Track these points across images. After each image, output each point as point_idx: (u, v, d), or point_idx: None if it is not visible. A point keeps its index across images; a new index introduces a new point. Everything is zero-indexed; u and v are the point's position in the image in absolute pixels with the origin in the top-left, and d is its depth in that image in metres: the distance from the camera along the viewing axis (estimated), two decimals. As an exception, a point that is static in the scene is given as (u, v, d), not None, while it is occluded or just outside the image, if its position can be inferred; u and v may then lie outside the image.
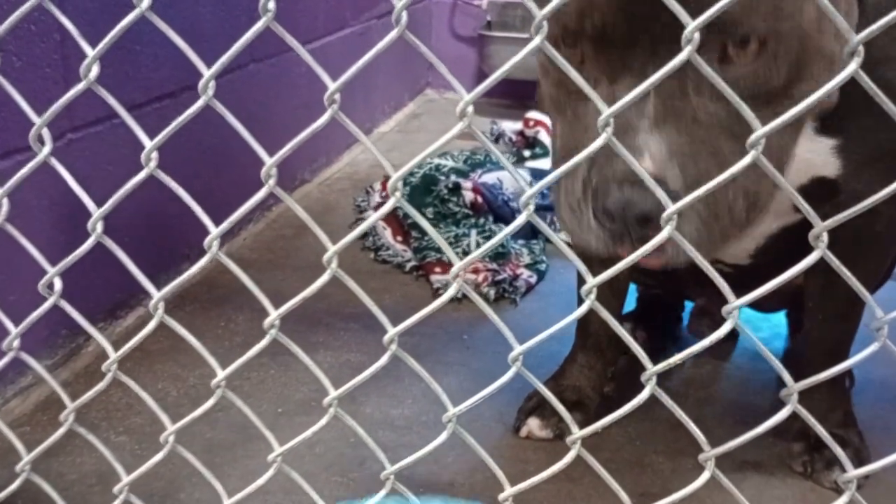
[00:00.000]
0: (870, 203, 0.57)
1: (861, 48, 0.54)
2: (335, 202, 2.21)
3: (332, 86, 0.64)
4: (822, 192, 0.97)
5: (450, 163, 2.22)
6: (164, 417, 0.82)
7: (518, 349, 0.66)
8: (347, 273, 0.69)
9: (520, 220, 0.63)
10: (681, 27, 0.70)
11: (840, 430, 1.17)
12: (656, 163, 0.73)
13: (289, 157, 0.65)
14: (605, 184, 0.75)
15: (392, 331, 0.69)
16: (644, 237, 0.71)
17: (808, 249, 0.58)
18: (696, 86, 0.76)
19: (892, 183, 0.56)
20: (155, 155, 0.71)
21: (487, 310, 0.67)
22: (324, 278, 0.68)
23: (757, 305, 1.40)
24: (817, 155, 0.97)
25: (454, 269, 0.65)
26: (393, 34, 0.60)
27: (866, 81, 0.55)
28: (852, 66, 0.54)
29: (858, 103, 0.92)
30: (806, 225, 0.60)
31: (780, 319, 1.58)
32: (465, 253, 1.84)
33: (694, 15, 0.70)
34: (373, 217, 0.69)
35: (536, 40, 0.58)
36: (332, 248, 0.67)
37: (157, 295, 0.75)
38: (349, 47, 2.35)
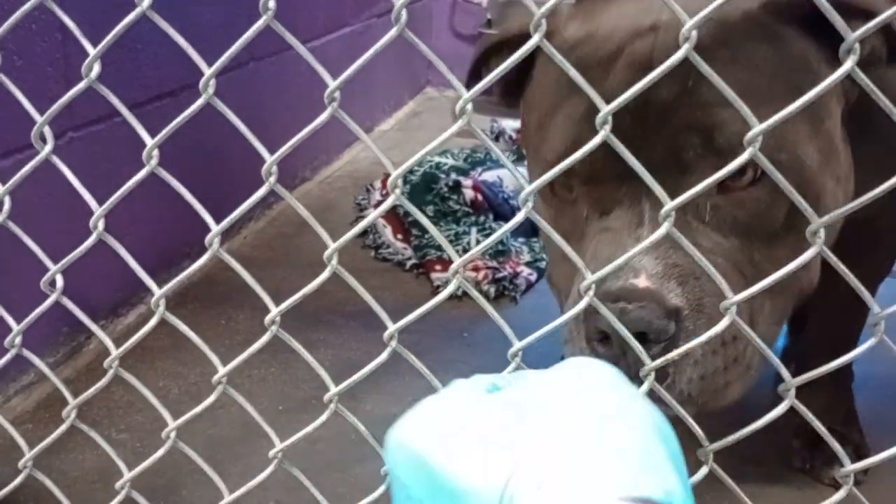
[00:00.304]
0: (860, 202, 0.57)
1: (857, 45, 0.54)
2: (336, 200, 2.22)
3: (331, 84, 0.64)
4: None
5: (450, 161, 2.23)
6: (166, 414, 0.82)
7: (517, 345, 0.66)
8: (347, 271, 0.69)
9: (519, 217, 0.63)
10: (673, 156, 0.71)
11: (841, 427, 1.17)
12: (652, 280, 0.70)
13: (289, 156, 0.65)
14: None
15: (392, 327, 0.69)
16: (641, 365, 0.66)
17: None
18: (695, 213, 0.75)
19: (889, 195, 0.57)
20: (156, 153, 0.71)
21: (487, 306, 0.67)
22: (324, 275, 0.68)
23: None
24: None
25: (454, 266, 0.65)
26: (392, 32, 0.60)
27: (863, 79, 0.55)
28: (848, 64, 0.54)
29: (856, 134, 0.91)
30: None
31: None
32: (466, 251, 1.84)
33: (700, 140, 0.71)
34: (373, 214, 0.69)
35: (535, 38, 0.58)
36: (332, 245, 0.67)
37: (158, 292, 0.76)
38: (349, 46, 2.35)
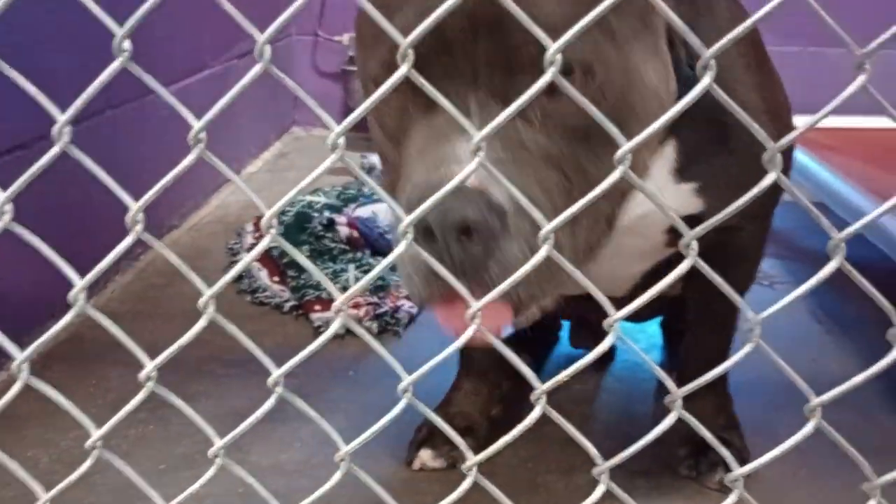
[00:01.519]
0: (725, 215, 0.61)
1: (713, 62, 0.56)
2: (206, 247, 2.15)
3: (196, 125, 0.62)
4: (691, 227, 1.02)
5: (322, 199, 2.20)
6: (36, 486, 0.77)
7: (407, 380, 0.65)
8: (224, 318, 0.66)
9: (399, 250, 0.63)
10: (499, 54, 0.71)
11: (723, 433, 1.21)
12: (479, 176, 0.67)
13: (155, 203, 0.62)
14: (418, 199, 0.66)
15: (276, 372, 0.67)
16: (470, 260, 0.68)
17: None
18: (523, 114, 0.73)
19: (749, 206, 0.61)
20: (9, 207, 0.67)
21: (373, 342, 0.66)
22: (201, 324, 0.65)
23: (633, 316, 1.45)
24: (682, 201, 1.01)
25: (336, 304, 0.64)
26: (257, 68, 0.59)
27: (720, 95, 0.57)
28: (706, 80, 0.56)
29: (709, 148, 0.97)
30: (678, 258, 0.62)
31: (655, 330, 1.64)
32: (345, 289, 1.80)
33: (527, 38, 0.71)
34: (248, 257, 0.67)
35: (403, 69, 0.58)
36: (207, 293, 0.65)
37: (20, 356, 0.71)
38: (210, 89, 2.29)
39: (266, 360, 0.68)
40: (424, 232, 0.69)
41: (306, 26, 3.33)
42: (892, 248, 1.54)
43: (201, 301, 0.65)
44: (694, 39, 0.55)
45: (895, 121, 0.58)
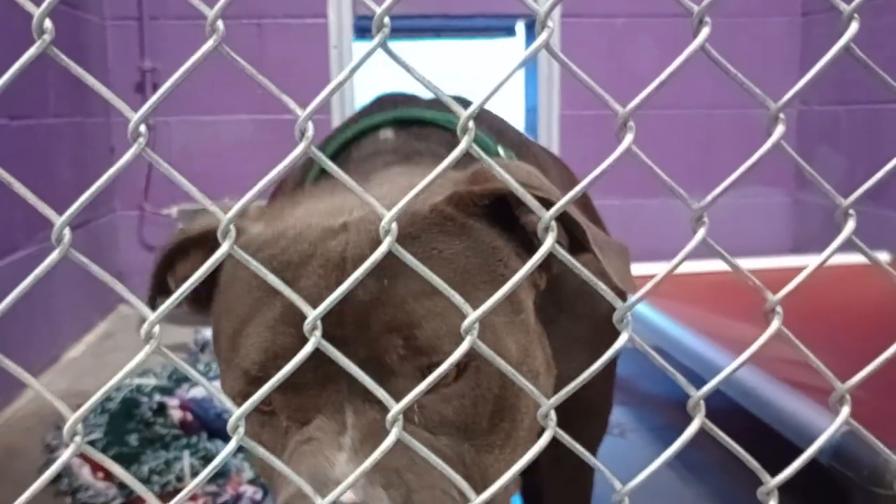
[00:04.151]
0: (582, 380, 0.58)
1: (554, 223, 0.54)
2: (20, 445, 1.94)
3: (-18, 322, 0.53)
4: None
5: (152, 381, 2.06)
6: None
7: None
8: None
9: (230, 447, 0.55)
10: (369, 359, 0.69)
11: None
12: (357, 491, 0.65)
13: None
14: None
15: None
16: None
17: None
18: (404, 414, 0.72)
19: (591, 356, 0.59)
20: None
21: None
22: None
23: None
24: None
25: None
26: (54, 256, 0.52)
27: (564, 256, 0.55)
28: (549, 242, 0.54)
29: (546, 306, 0.96)
30: None
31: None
32: (179, 479, 1.67)
33: (401, 340, 0.68)
34: (59, 461, 0.57)
35: (225, 247, 0.53)
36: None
37: None
38: (23, 272, 2.14)
39: None
40: None
41: (131, 201, 3.23)
42: (736, 392, 1.58)
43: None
44: (533, 202, 0.53)
45: (735, 270, 0.58)
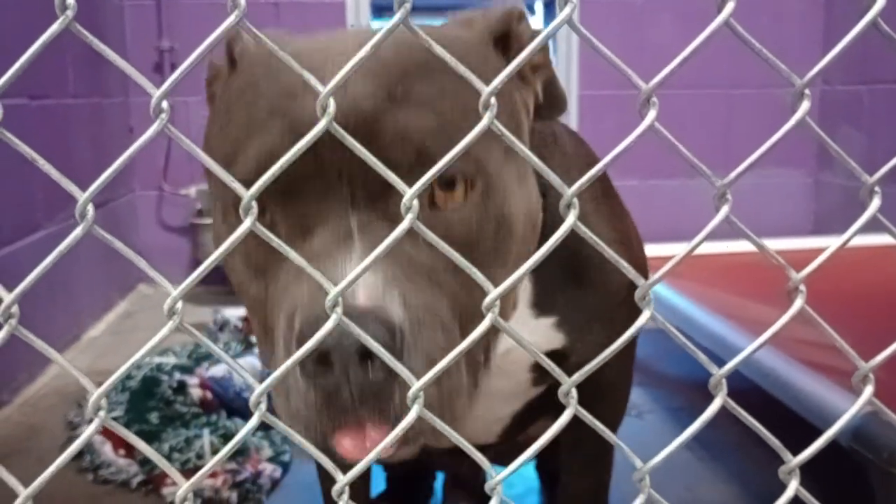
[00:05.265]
0: (604, 357, 0.58)
1: (576, 200, 0.54)
2: (42, 423, 1.96)
3: (7, 298, 0.54)
4: (555, 361, 0.99)
5: (172, 360, 2.08)
6: None
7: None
8: (61, 503, 0.56)
9: (252, 423, 0.56)
10: (374, 171, 0.68)
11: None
12: (372, 296, 0.64)
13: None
14: (311, 323, 0.63)
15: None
16: (369, 390, 0.62)
17: (553, 409, 0.56)
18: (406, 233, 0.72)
19: (611, 337, 0.58)
20: None
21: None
22: (16, 532, 0.55)
23: (504, 462, 1.40)
24: (540, 335, 0.99)
25: (181, 493, 0.55)
26: (78, 231, 0.52)
27: (585, 232, 0.55)
28: (571, 219, 0.54)
29: (563, 282, 0.96)
30: (546, 394, 0.58)
31: (530, 473, 1.58)
32: (199, 457, 1.68)
33: (410, 150, 0.68)
34: (82, 437, 0.58)
35: (247, 223, 0.53)
36: (23, 493, 0.55)
37: None
38: (44, 251, 2.16)
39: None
40: (318, 359, 0.62)
41: (150, 182, 3.25)
42: (755, 372, 1.57)
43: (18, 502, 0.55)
44: (555, 179, 0.53)
45: (759, 248, 0.57)
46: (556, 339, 1.01)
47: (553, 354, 1.02)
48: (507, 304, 0.84)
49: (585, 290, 0.99)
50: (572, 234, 0.54)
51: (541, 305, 0.98)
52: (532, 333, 0.97)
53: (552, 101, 0.90)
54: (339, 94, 0.62)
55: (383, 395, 0.63)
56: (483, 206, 0.73)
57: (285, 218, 0.71)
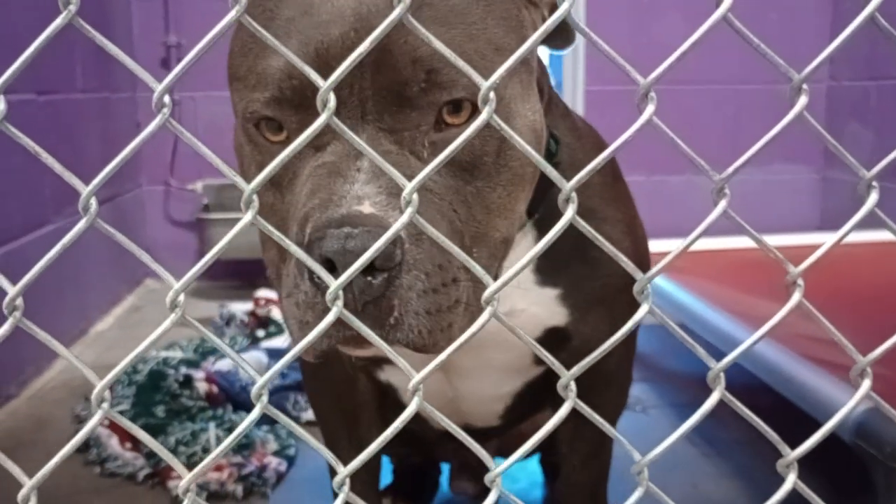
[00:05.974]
0: (604, 350, 0.57)
1: (574, 195, 0.54)
2: (49, 416, 1.97)
3: (11, 290, 0.54)
4: (556, 342, 0.99)
5: (178, 354, 2.08)
6: None
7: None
8: (67, 495, 0.57)
9: (254, 415, 0.56)
10: (386, 89, 0.70)
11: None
12: (377, 206, 0.68)
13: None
14: (321, 231, 0.66)
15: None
16: (374, 293, 0.65)
17: (552, 399, 0.57)
18: (412, 148, 0.74)
19: (613, 324, 0.58)
20: None
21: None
22: (21, 522, 0.56)
23: (506, 456, 1.40)
24: (544, 307, 0.99)
25: (183, 484, 0.56)
26: (81, 224, 0.53)
27: (583, 226, 0.55)
28: (569, 213, 0.54)
29: (571, 253, 0.96)
30: (548, 376, 0.59)
31: (534, 466, 1.59)
32: (205, 450, 1.69)
33: (424, 73, 0.70)
34: (85, 428, 0.59)
35: (248, 216, 0.53)
36: (28, 484, 0.55)
37: None
38: (52, 245, 2.17)
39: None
40: (324, 266, 0.64)
41: (157, 176, 3.26)
42: (761, 369, 1.57)
43: (22, 494, 0.55)
44: (553, 173, 0.53)
45: (757, 243, 0.58)
46: (559, 315, 1.01)
47: (555, 332, 1.02)
48: (514, 219, 0.83)
49: (592, 267, 0.99)
50: (580, 208, 0.55)
51: (545, 272, 0.99)
52: (536, 304, 0.98)
53: (561, 27, 0.90)
54: (353, 8, 0.67)
55: (386, 300, 0.66)
56: (486, 130, 0.74)
57: (300, 131, 0.72)
